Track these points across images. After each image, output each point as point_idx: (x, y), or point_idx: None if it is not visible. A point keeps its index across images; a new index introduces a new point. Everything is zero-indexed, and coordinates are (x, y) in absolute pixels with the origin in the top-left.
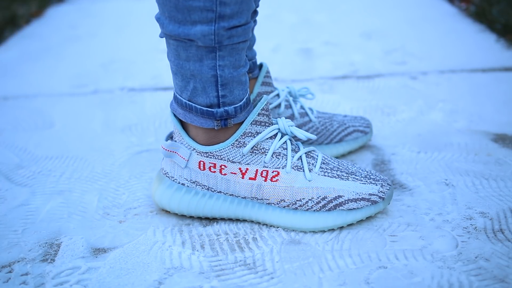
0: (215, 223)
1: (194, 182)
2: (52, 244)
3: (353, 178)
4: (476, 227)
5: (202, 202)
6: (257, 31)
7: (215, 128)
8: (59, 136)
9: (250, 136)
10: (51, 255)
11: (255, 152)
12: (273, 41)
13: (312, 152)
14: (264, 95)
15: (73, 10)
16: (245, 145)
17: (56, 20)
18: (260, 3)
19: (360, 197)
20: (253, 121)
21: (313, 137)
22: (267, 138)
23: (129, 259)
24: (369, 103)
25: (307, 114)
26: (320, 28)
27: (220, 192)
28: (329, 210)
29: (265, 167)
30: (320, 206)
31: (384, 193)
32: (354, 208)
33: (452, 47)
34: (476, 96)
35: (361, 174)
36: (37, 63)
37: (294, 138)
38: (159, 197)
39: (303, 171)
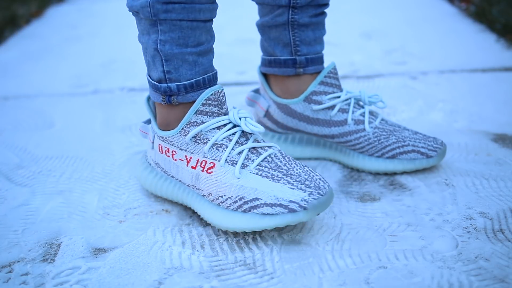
0: None
1: (156, 164)
2: (52, 244)
3: (285, 181)
4: (476, 227)
5: (159, 184)
6: (256, 31)
7: (162, 103)
8: (59, 136)
9: (195, 125)
10: (51, 255)
11: (198, 142)
12: None
13: (265, 148)
14: (218, 85)
15: (73, 10)
16: (188, 133)
17: (56, 20)
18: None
19: (278, 202)
20: (197, 110)
21: (260, 129)
22: (214, 128)
23: (129, 259)
24: None
25: (363, 122)
26: None
27: (172, 176)
28: (244, 211)
29: (205, 157)
30: (237, 206)
31: (307, 202)
32: (268, 214)
33: (452, 47)
34: (476, 96)
35: (299, 178)
36: (38, 63)
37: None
38: (138, 175)
39: (235, 166)
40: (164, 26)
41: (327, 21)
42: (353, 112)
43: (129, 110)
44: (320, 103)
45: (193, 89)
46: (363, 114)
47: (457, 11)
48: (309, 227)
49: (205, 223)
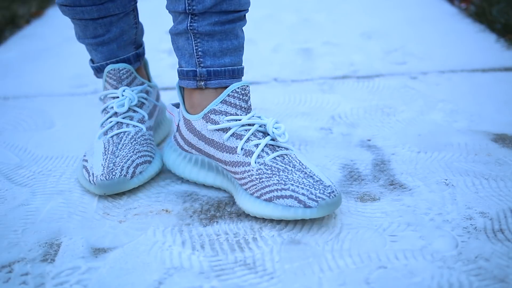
0: (215, 223)
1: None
2: (52, 244)
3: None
4: (476, 227)
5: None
6: (257, 31)
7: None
8: (59, 136)
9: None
10: (51, 255)
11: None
12: (273, 41)
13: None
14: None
15: None
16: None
17: (56, 20)
18: (261, 3)
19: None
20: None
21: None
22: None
23: (129, 259)
24: (369, 103)
25: (251, 155)
26: (320, 28)
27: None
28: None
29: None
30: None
31: (319, 199)
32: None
33: (452, 47)
34: (476, 96)
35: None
36: (37, 63)
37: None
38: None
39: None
40: (73, 23)
41: (327, 20)
42: (246, 141)
43: None
44: (217, 123)
45: (98, 72)
46: (257, 145)
47: (457, 11)
48: (309, 227)
49: (205, 223)
